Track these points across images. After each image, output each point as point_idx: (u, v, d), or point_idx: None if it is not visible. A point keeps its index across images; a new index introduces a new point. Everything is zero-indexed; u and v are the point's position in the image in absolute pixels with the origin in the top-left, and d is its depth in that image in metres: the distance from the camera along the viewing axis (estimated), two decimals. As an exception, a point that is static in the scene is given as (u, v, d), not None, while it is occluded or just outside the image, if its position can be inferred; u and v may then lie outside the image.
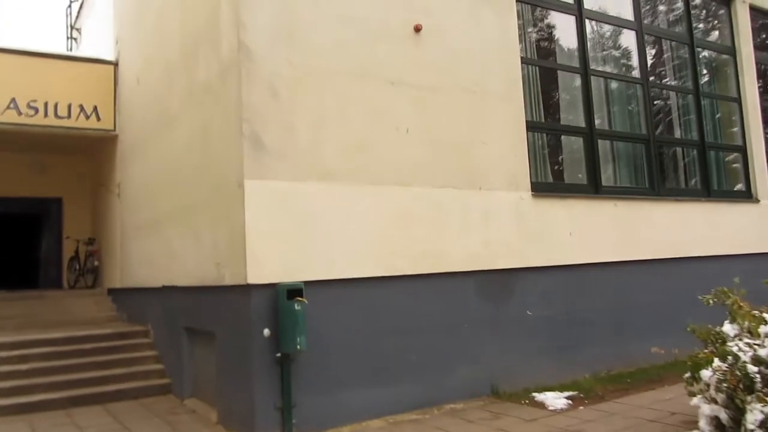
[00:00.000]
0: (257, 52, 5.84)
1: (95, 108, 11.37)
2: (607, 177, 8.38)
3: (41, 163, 13.62)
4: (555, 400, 6.41)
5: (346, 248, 6.04)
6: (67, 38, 17.54)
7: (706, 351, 4.98)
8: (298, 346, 5.44)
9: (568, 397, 6.51)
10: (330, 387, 5.79)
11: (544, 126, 7.96)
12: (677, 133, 9.59)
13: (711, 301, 5.16)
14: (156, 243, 8.60)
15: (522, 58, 7.54)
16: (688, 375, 5.02)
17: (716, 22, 10.37)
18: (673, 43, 9.66)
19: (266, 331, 5.55)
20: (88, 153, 13.41)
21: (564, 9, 8.29)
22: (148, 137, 9.25)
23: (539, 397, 6.54)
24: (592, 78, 8.32)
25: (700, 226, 8.98)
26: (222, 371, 6.18)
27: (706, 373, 4.63)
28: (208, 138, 6.67)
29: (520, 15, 7.70)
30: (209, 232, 6.51)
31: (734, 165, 10.14)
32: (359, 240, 6.12)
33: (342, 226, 6.05)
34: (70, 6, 17.50)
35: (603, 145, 8.40)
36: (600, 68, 8.65)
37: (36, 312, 10.41)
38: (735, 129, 10.10)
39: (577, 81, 8.28)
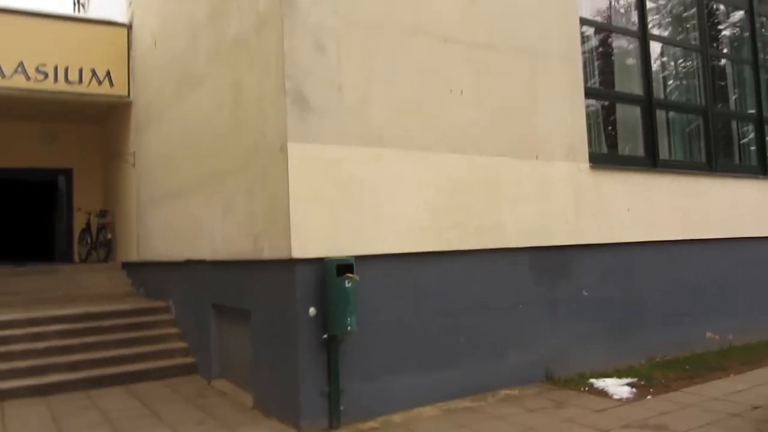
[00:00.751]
0: (301, 1, 5.24)
1: (108, 73, 10.79)
2: (663, 150, 7.81)
3: (51, 132, 13.05)
4: (617, 387, 5.91)
5: (396, 220, 5.50)
6: (75, 3, 16.85)
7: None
8: (349, 327, 4.92)
9: (629, 385, 6.01)
10: (378, 371, 5.28)
11: (601, 93, 7.37)
12: (734, 107, 9.00)
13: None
14: (177, 214, 8.07)
15: (581, 18, 6.92)
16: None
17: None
18: (732, 9, 9.02)
19: (312, 311, 5.02)
20: (100, 121, 12.85)
21: (623, -34, 7.67)
22: (167, 102, 8.67)
23: (598, 384, 6.04)
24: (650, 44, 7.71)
25: (756, 205, 8.43)
26: (258, 353, 5.67)
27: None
28: (240, 99, 6.09)
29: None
30: (243, 202, 5.96)
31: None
32: (409, 211, 5.58)
33: (391, 196, 5.51)
34: (77, -31, 16.80)
35: (659, 116, 7.81)
36: (658, 33, 8.04)
37: (48, 287, 9.91)
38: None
39: (635, 46, 7.66)
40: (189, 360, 7.21)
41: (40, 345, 6.99)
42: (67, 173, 13.38)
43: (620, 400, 5.57)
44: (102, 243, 12.01)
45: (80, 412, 5.71)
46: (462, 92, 5.97)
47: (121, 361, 7.01)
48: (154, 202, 9.22)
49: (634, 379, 6.18)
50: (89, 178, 13.22)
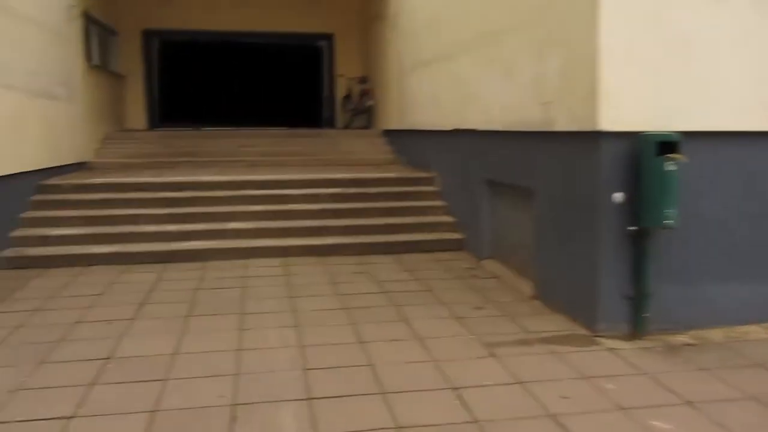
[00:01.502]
0: None
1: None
2: None
3: (314, -5, 13.14)
4: None
5: (733, 89, 4.23)
6: None
7: None
8: (667, 220, 3.98)
9: None
10: (697, 276, 4.29)
11: None
12: None
13: None
14: (444, 79, 7.48)
15: None
16: None
17: None
18: None
19: (618, 196, 4.13)
20: (361, -17, 12.55)
21: None
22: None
23: None
24: None
25: None
26: (543, 238, 5.01)
27: None
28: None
29: None
30: (530, 63, 5.09)
31: None
32: (752, 78, 4.25)
33: (729, 58, 4.20)
34: None
35: None
36: None
37: (316, 151, 10.28)
38: None
39: None
40: (456, 236, 6.87)
41: (315, 207, 7.17)
42: (329, 38, 13.53)
43: None
44: (363, 110, 12.12)
45: (354, 277, 5.70)
46: None
47: (388, 230, 6.93)
48: (417, 67, 8.74)
49: None
50: (350, 44, 13.21)
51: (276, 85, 14.00)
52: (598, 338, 4.10)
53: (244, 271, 5.87)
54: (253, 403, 3.15)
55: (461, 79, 6.86)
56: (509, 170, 5.68)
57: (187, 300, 4.94)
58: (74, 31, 8.89)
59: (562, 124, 4.58)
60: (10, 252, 6.14)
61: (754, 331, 4.28)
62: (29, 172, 7.07)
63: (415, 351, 3.85)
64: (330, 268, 6.00)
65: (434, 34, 7.87)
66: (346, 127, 12.62)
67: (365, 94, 12.03)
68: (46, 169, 7.59)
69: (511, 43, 5.47)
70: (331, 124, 13.33)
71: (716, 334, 4.20)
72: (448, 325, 4.36)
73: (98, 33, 10.41)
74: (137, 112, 12.71)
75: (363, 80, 12.30)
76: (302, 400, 3.17)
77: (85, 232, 6.50)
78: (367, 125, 11.97)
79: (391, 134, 10.58)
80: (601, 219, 4.20)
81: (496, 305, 4.82)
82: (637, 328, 4.17)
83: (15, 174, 6.68)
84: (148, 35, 12.76)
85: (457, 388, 3.31)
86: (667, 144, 3.94)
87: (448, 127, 7.22)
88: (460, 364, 3.64)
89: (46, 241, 6.36)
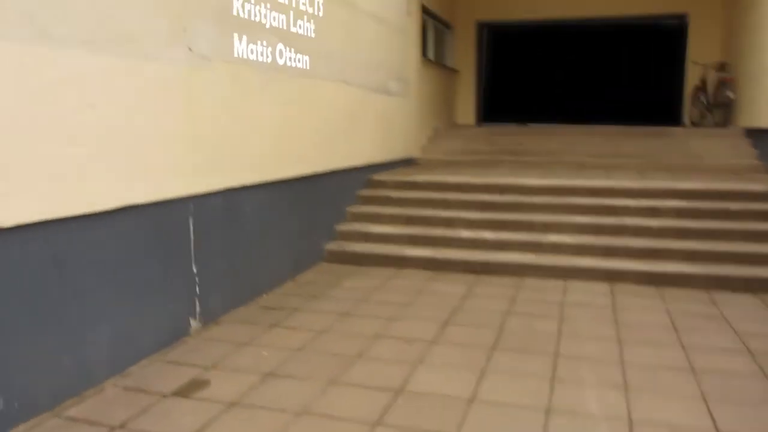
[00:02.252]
0: None
1: None
2: None
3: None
4: None
5: None
6: None
7: None
8: None
9: None
10: None
11: None
12: None
13: None
14: None
15: None
16: None
17: None
18: None
19: None
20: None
21: None
22: None
23: None
24: None
25: None
26: None
27: None
28: None
29: None
30: None
31: None
32: None
33: None
34: None
35: None
36: None
37: (657, 152, 8.87)
38: None
39: None
40: None
41: (654, 223, 5.97)
42: (681, 18, 11.61)
43: None
44: (720, 104, 10.12)
45: (703, 322, 4.44)
46: None
47: (751, 260, 5.39)
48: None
49: None
50: (708, 24, 11.13)
51: (610, 76, 12.65)
52: None
53: (561, 296, 5.07)
54: (561, 505, 2.40)
55: None
56: None
57: (494, 326, 4.36)
58: (411, 24, 8.96)
59: None
60: (334, 245, 6.36)
61: None
62: (361, 167, 7.31)
63: (808, 469, 2.63)
64: (670, 304, 4.83)
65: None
66: (696, 124, 10.72)
67: (724, 83, 9.99)
68: (376, 164, 7.81)
69: None
70: (676, 120, 11.50)
71: None
72: None
73: (434, 26, 10.52)
74: (467, 108, 12.69)
75: (721, 67, 10.27)
76: None
77: (402, 232, 6.42)
78: (724, 122, 9.95)
79: (758, 134, 8.54)
80: None
81: None
82: None
83: (349, 168, 6.93)
84: (482, 28, 12.59)
85: None
86: None
87: None
88: None
89: (366, 237, 6.45)
